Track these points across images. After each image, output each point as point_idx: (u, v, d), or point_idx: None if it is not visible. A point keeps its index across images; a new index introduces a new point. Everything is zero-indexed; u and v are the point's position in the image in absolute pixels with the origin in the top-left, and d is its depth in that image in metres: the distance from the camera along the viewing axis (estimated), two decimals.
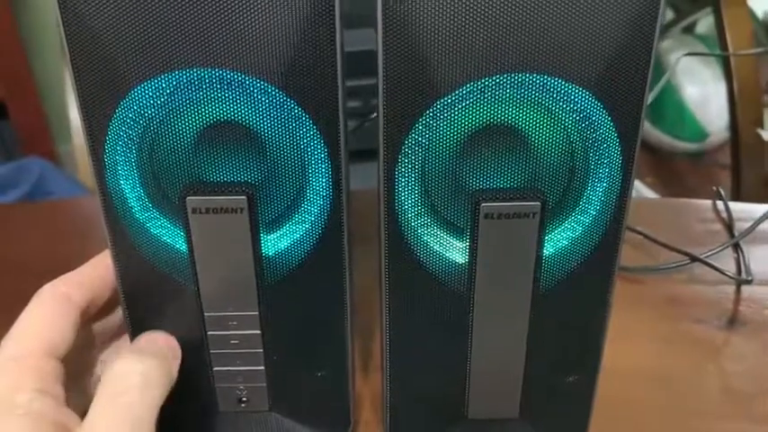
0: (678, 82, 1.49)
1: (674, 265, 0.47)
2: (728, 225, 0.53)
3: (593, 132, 0.27)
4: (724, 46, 1.09)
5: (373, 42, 0.27)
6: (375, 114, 0.28)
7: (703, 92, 1.50)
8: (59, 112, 1.22)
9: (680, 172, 1.61)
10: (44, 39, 1.26)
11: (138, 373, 0.28)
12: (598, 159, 0.27)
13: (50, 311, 0.29)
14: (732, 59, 1.09)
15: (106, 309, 0.32)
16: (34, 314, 0.28)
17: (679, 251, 0.47)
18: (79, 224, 0.59)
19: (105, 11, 0.25)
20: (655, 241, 0.47)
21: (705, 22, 1.57)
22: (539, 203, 0.27)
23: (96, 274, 0.31)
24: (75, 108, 0.27)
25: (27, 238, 0.55)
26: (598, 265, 0.30)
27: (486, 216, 0.27)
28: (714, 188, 0.54)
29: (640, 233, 0.48)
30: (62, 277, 0.30)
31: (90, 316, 0.31)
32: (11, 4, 1.23)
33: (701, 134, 1.54)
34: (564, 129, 0.27)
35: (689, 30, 1.61)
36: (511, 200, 0.27)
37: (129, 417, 0.27)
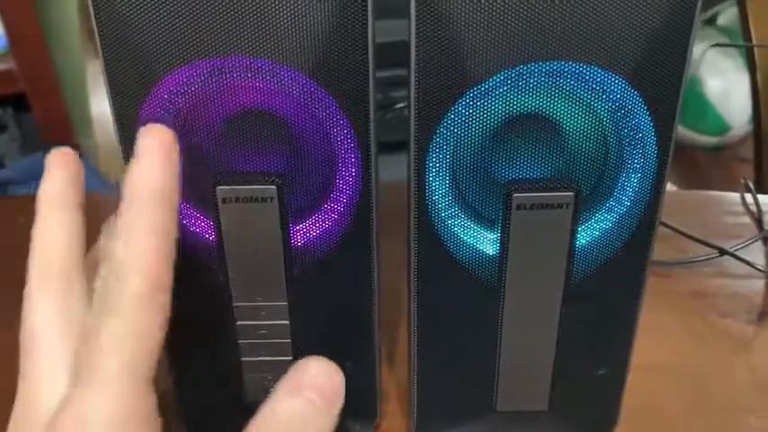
0: (700, 74, 1.47)
1: (703, 258, 0.46)
2: (757, 218, 0.52)
3: (629, 122, 0.26)
4: (748, 37, 1.08)
5: (400, 34, 0.26)
6: (403, 104, 0.28)
7: (725, 85, 1.47)
8: (81, 106, 1.23)
9: (700, 166, 1.59)
10: (66, 32, 1.26)
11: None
12: (633, 149, 0.27)
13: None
14: (756, 51, 1.07)
15: None
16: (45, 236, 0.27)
17: (708, 244, 0.46)
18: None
19: None
20: (684, 234, 0.47)
21: (727, 14, 1.55)
22: (572, 194, 0.27)
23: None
24: (97, 103, 0.27)
25: None
26: (631, 257, 0.29)
27: (518, 207, 0.27)
28: (743, 180, 0.53)
29: (668, 226, 0.47)
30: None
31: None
32: None
33: (723, 127, 1.52)
34: (598, 118, 0.27)
35: (711, 22, 1.58)
36: (544, 190, 0.27)
37: None
